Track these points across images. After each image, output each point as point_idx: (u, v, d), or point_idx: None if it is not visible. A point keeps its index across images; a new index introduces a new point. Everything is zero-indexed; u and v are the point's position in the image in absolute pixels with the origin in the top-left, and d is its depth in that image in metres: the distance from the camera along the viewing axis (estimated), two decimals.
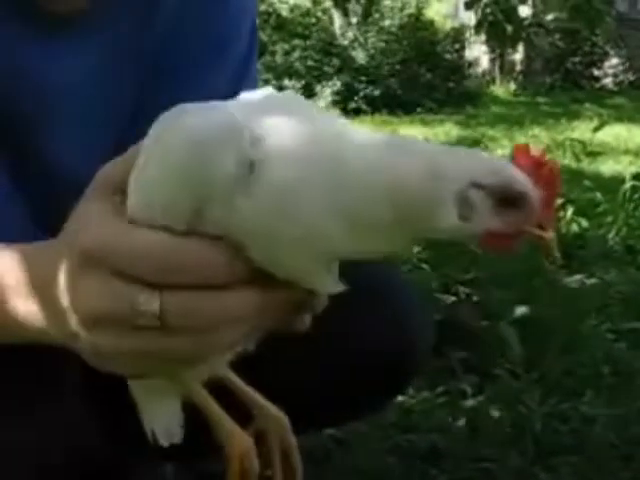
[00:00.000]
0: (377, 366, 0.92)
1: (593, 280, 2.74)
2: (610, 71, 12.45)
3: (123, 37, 0.81)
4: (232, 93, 0.88)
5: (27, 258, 0.63)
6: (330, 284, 0.55)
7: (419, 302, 1.03)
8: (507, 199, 0.51)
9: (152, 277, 0.53)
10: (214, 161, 0.51)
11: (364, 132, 0.54)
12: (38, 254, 0.63)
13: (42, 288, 0.60)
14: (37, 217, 0.83)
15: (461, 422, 1.71)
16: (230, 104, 0.57)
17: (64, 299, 0.57)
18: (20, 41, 0.76)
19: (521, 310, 2.27)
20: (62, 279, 0.57)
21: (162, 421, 0.68)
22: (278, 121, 0.52)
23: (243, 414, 0.73)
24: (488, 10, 4.93)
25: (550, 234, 0.53)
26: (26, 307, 0.61)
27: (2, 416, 0.74)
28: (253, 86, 0.92)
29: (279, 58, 11.54)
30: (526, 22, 5.60)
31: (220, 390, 0.70)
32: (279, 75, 11.14)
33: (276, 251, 0.53)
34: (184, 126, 0.53)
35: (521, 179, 0.51)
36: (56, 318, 0.58)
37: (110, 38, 0.80)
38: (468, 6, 4.94)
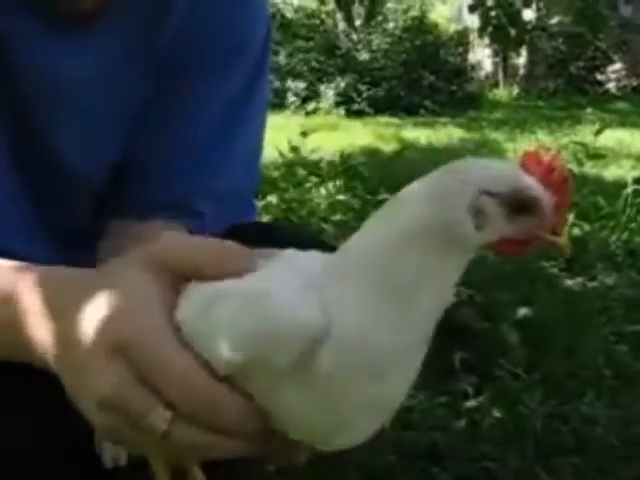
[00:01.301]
0: None
1: (594, 283, 2.75)
2: (613, 76, 12.44)
3: (135, 37, 0.81)
4: (244, 97, 0.89)
5: (51, 283, 0.62)
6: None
7: None
8: (519, 205, 0.52)
9: (174, 402, 0.54)
10: (277, 350, 0.52)
11: None
12: (66, 289, 0.61)
13: (61, 320, 0.59)
14: (40, 214, 0.84)
15: (462, 421, 1.72)
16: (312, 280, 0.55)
17: (80, 365, 0.56)
18: (36, 38, 0.76)
19: (523, 312, 2.28)
20: (87, 347, 0.55)
21: (111, 448, 0.71)
22: (345, 312, 0.52)
23: None
24: (492, 13, 4.94)
25: (563, 239, 0.53)
26: (41, 336, 0.60)
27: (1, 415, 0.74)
28: (266, 91, 0.93)
29: (283, 59, 11.54)
30: (529, 26, 5.61)
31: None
32: (283, 76, 11.14)
33: (308, 432, 0.55)
34: (270, 306, 0.54)
35: (532, 185, 0.52)
36: (71, 368, 0.58)
37: (123, 37, 0.81)
38: (472, 9, 4.95)
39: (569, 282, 2.74)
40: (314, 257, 0.58)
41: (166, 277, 0.57)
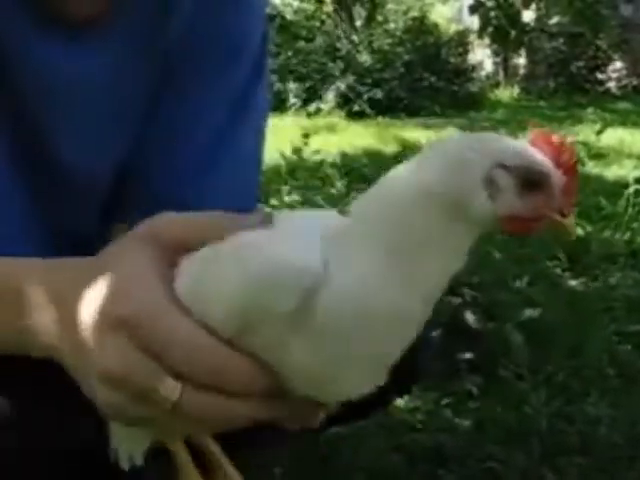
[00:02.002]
0: None
1: (597, 283, 2.75)
2: (614, 75, 12.44)
3: (139, 38, 0.81)
4: (246, 97, 0.89)
5: (51, 271, 0.63)
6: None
7: None
8: (530, 182, 0.52)
9: (181, 369, 0.54)
10: (276, 296, 0.53)
11: None
12: (65, 276, 0.62)
13: (62, 304, 0.60)
14: (41, 216, 0.83)
15: (467, 422, 1.73)
16: (314, 230, 0.57)
17: (83, 342, 0.57)
18: (36, 39, 0.76)
19: (527, 312, 2.28)
20: (86, 321, 0.57)
21: (127, 447, 0.70)
22: (347, 259, 0.53)
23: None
24: (492, 14, 4.94)
25: (570, 221, 0.54)
26: (43, 322, 0.61)
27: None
28: (266, 91, 0.93)
29: (283, 61, 11.55)
30: (529, 27, 5.62)
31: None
32: (283, 77, 11.15)
33: (320, 387, 0.56)
34: (265, 254, 0.54)
35: (545, 162, 0.53)
36: (76, 351, 0.58)
37: (126, 38, 0.81)
38: (472, 10, 4.96)
39: (572, 282, 2.75)
40: (315, 218, 0.60)
41: (162, 253, 0.59)
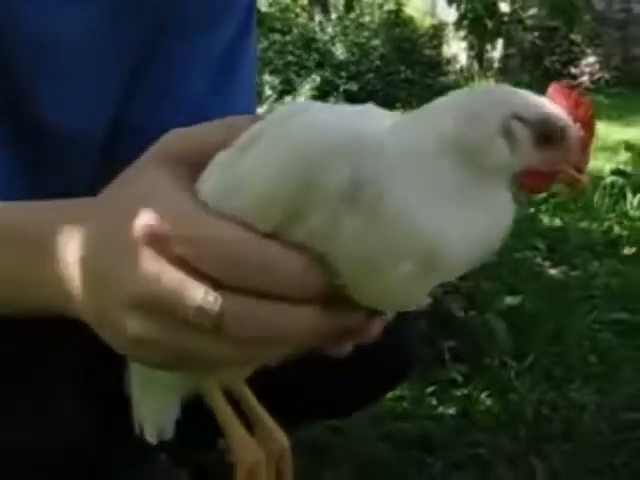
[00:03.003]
0: (376, 361, 0.90)
1: (576, 272, 2.77)
2: (587, 69, 12.55)
3: None
4: (235, 52, 0.87)
5: (65, 214, 0.58)
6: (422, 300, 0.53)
7: None
8: (547, 135, 0.51)
9: (219, 274, 0.48)
10: (327, 170, 0.48)
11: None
12: (79, 212, 0.57)
13: (82, 251, 0.54)
14: (24, 177, 0.80)
15: (452, 410, 1.73)
16: (354, 112, 0.53)
17: (109, 271, 0.51)
18: None
19: (509, 300, 2.29)
20: (109, 248, 0.51)
21: (155, 419, 0.65)
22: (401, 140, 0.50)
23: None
24: (469, 6, 4.96)
25: (585, 177, 0.52)
26: (58, 270, 0.55)
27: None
28: (253, 47, 0.92)
29: (258, 53, 11.50)
30: (506, 17, 5.64)
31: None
32: (259, 70, 11.09)
33: (377, 285, 0.50)
34: (306, 124, 0.50)
35: (562, 115, 0.51)
36: (92, 288, 0.53)
37: None
38: (450, 1, 4.96)
39: (552, 271, 2.76)
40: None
41: (179, 169, 0.54)
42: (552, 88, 0.53)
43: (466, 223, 0.49)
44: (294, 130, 0.50)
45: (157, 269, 0.49)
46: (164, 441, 0.67)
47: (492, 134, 0.50)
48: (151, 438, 0.66)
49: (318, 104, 0.54)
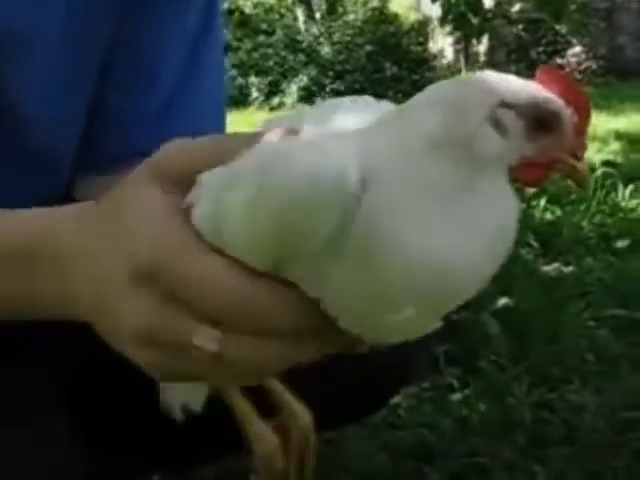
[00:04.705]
0: (376, 372, 0.89)
1: (570, 268, 2.75)
2: (573, 59, 12.57)
3: None
4: (202, 36, 0.85)
5: (56, 227, 0.56)
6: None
7: None
8: (539, 121, 0.47)
9: (215, 314, 0.48)
10: (306, 232, 0.45)
11: None
12: (70, 228, 0.55)
13: (83, 262, 0.53)
14: (9, 175, 0.77)
15: (449, 417, 1.70)
16: (341, 138, 0.49)
17: (107, 306, 0.51)
18: None
19: (502, 301, 2.26)
20: (107, 284, 0.51)
21: (183, 399, 0.66)
22: (387, 167, 0.46)
23: (266, 403, 0.70)
24: (453, 1, 4.92)
25: (583, 164, 0.49)
26: (71, 286, 0.54)
27: None
28: (221, 31, 0.89)
29: (244, 55, 11.47)
30: (490, 14, 5.62)
31: None
32: (245, 72, 11.07)
33: (377, 328, 0.48)
34: (293, 170, 0.46)
35: (554, 99, 0.48)
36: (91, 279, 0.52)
37: None
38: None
39: (546, 268, 2.74)
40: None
41: (171, 186, 0.52)
42: (540, 72, 0.49)
43: (470, 237, 0.46)
44: (273, 191, 0.46)
45: (150, 305, 0.49)
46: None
47: (479, 124, 0.46)
48: (179, 415, 0.66)
49: (310, 129, 0.50)
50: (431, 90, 0.50)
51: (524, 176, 0.49)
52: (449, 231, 0.45)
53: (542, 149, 0.48)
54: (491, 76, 0.49)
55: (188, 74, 0.83)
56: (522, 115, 0.47)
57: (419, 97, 0.50)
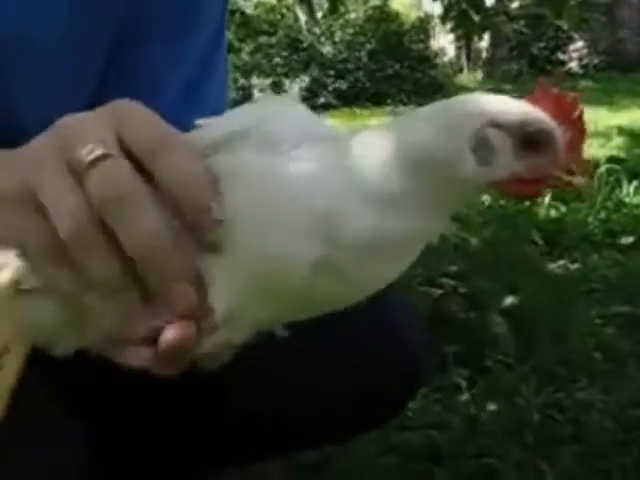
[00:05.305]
0: (380, 386, 0.88)
1: (576, 265, 2.74)
2: (575, 55, 12.54)
3: None
4: (208, 57, 0.85)
5: None
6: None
7: (416, 315, 1.01)
8: (530, 140, 0.48)
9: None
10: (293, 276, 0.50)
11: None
12: None
13: None
14: None
15: (458, 417, 1.70)
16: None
17: None
18: None
19: (509, 300, 2.26)
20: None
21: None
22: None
23: None
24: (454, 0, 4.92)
25: (580, 179, 0.49)
26: None
27: None
28: (225, 54, 0.90)
29: (246, 56, 11.46)
30: (491, 10, 5.60)
31: None
32: (247, 73, 11.07)
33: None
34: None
35: (544, 117, 0.48)
36: None
37: None
38: None
39: (552, 266, 2.73)
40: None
41: None
42: (538, 87, 0.50)
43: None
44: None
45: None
46: None
47: (460, 148, 0.47)
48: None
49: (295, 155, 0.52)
50: (424, 110, 0.51)
51: (516, 191, 0.50)
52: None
53: (534, 166, 0.49)
54: (481, 96, 0.50)
55: (185, 101, 0.83)
56: (512, 134, 0.48)
57: (412, 114, 0.51)
